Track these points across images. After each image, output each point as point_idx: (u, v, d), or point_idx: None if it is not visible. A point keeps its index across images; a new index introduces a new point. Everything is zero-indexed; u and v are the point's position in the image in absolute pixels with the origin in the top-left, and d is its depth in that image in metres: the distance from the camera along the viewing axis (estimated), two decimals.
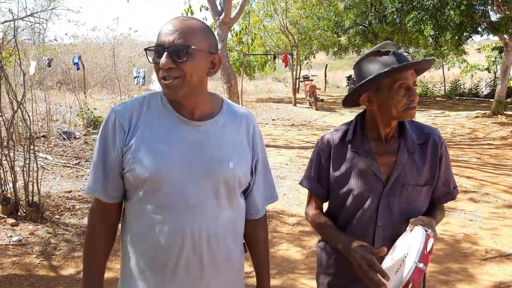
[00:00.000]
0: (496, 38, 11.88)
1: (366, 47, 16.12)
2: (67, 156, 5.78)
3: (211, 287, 1.10)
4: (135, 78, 12.40)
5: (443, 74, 17.80)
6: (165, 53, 0.97)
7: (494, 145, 7.42)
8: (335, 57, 19.14)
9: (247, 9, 11.83)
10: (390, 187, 1.20)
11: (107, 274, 2.68)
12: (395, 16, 12.94)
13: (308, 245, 3.27)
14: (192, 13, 8.34)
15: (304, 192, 1.47)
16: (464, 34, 11.06)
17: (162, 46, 0.98)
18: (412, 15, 10.88)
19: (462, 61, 15.23)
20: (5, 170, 3.56)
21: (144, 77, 12.20)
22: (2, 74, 3.51)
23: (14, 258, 2.92)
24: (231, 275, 1.14)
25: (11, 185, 3.53)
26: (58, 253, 3.05)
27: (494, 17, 10.79)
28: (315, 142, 1.37)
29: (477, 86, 16.29)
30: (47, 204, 3.74)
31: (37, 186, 3.49)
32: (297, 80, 15.55)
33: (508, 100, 11.29)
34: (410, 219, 1.17)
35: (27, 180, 3.46)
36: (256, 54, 16.23)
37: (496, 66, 14.55)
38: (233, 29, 10.81)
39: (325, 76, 21.05)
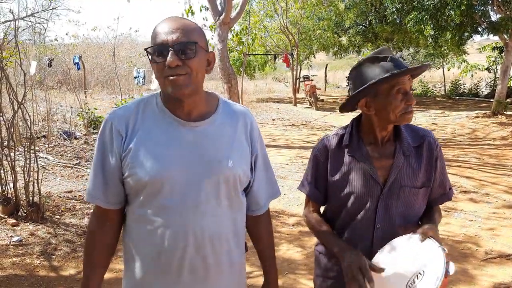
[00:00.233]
0: (496, 38, 11.88)
1: (366, 47, 16.13)
2: (67, 156, 5.79)
3: None
4: (135, 78, 12.41)
5: (443, 74, 17.80)
6: (171, 51, 0.97)
7: (494, 145, 7.42)
8: (335, 57, 19.13)
9: (247, 9, 11.83)
10: (388, 190, 1.21)
11: (108, 275, 2.69)
12: (395, 16, 12.93)
13: (308, 245, 3.27)
14: (192, 13, 8.35)
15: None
16: (465, 34, 11.05)
17: (165, 45, 0.98)
18: (412, 15, 10.88)
19: (462, 61, 15.22)
20: (5, 170, 3.57)
21: (144, 77, 12.21)
22: (3, 74, 3.51)
23: (14, 259, 2.92)
24: (234, 275, 1.15)
25: (11, 185, 3.53)
26: (59, 253, 3.05)
27: (494, 17, 10.80)
28: (315, 142, 1.38)
29: (477, 86, 16.29)
30: (48, 204, 3.74)
31: (38, 186, 3.49)
32: (297, 80, 15.56)
33: (508, 100, 11.28)
34: (408, 221, 1.18)
35: (27, 180, 3.46)
36: (256, 54, 16.23)
37: (496, 66, 14.55)
38: (234, 29, 10.81)
39: (325, 76, 21.06)
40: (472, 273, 2.84)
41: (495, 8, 9.84)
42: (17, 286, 2.61)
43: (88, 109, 7.53)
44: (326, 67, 21.30)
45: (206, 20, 11.02)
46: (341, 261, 1.16)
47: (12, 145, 3.71)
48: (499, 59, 13.94)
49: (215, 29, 7.15)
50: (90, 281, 1.11)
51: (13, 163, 3.49)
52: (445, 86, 17.22)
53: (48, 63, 11.11)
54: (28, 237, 3.23)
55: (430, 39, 11.06)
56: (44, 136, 6.45)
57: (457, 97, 15.65)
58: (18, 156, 4.23)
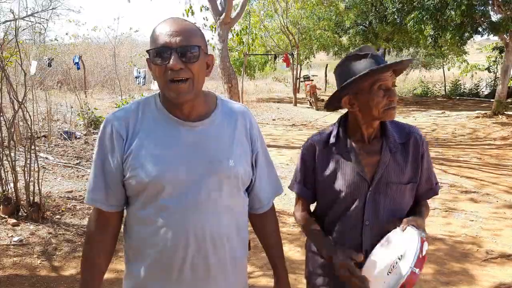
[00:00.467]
0: (496, 38, 11.87)
1: None
2: (67, 156, 5.79)
3: (219, 287, 1.10)
4: (136, 78, 12.41)
5: (444, 74, 17.78)
6: (174, 54, 0.97)
7: (494, 145, 7.41)
8: (335, 57, 19.10)
9: (247, 9, 11.82)
10: (375, 187, 1.23)
11: (108, 275, 2.69)
12: (395, 16, 12.92)
13: None
14: (192, 13, 8.34)
15: None
16: (465, 34, 11.05)
17: (168, 47, 0.97)
18: (412, 15, 10.87)
19: (463, 61, 15.21)
20: (6, 170, 3.56)
21: (144, 77, 12.21)
22: (3, 74, 3.51)
23: (15, 258, 2.92)
24: (236, 274, 1.14)
25: (12, 185, 3.53)
26: (59, 253, 3.05)
27: (494, 17, 10.79)
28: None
29: (478, 86, 16.27)
30: (48, 204, 3.74)
31: (38, 186, 3.49)
32: (298, 80, 15.55)
33: (509, 100, 11.28)
34: (396, 217, 1.20)
35: (28, 180, 3.46)
36: (256, 54, 16.23)
37: (497, 66, 14.53)
38: (234, 29, 10.80)
39: (326, 76, 21.03)
40: (473, 273, 2.84)
41: (495, 8, 9.84)
42: (17, 286, 2.61)
43: (88, 109, 7.53)
44: (326, 67, 21.26)
45: (207, 20, 11.02)
46: (332, 263, 1.19)
47: (13, 145, 3.71)
48: (499, 59, 13.93)
49: (215, 29, 7.15)
50: (89, 285, 1.10)
51: (13, 163, 3.49)
52: (445, 86, 17.20)
53: (48, 63, 11.11)
54: (29, 237, 3.22)
55: (430, 39, 11.04)
56: (44, 136, 6.45)
57: (458, 97, 15.64)
58: (19, 156, 4.23)
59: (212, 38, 8.20)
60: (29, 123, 3.72)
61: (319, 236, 1.28)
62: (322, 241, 1.26)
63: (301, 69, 17.63)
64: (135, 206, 1.08)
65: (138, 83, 12.46)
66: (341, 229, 1.26)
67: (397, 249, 1.10)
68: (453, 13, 9.88)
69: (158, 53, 0.98)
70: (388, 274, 1.06)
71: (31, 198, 3.49)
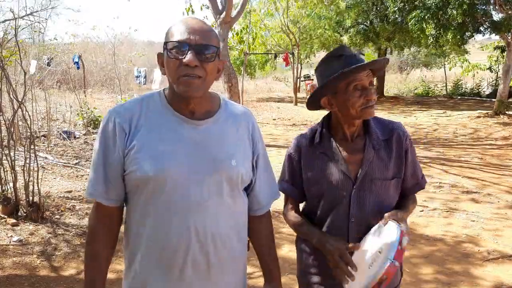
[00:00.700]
0: (497, 37, 11.83)
1: (368, 47, 16.09)
2: (67, 155, 5.78)
3: (218, 287, 1.10)
4: (136, 77, 12.40)
5: (445, 74, 17.76)
6: (191, 51, 0.98)
7: (496, 145, 7.39)
8: None
9: (248, 8, 11.80)
10: (360, 184, 1.25)
11: (108, 275, 2.67)
12: (396, 15, 12.90)
13: None
14: (192, 12, 8.34)
15: None
16: (466, 33, 11.02)
17: (187, 43, 0.98)
18: (414, 14, 10.85)
19: (464, 60, 15.18)
20: (5, 170, 3.56)
21: (145, 77, 12.20)
22: (3, 73, 3.50)
23: (14, 258, 2.91)
24: (236, 274, 1.15)
25: (11, 185, 3.52)
26: (59, 253, 3.04)
27: (496, 16, 10.76)
28: None
29: (479, 86, 16.25)
30: (47, 204, 3.73)
31: (38, 186, 3.48)
32: (298, 80, 15.53)
33: (510, 100, 11.24)
34: (382, 212, 1.22)
35: (27, 180, 3.45)
36: (257, 53, 16.21)
37: (498, 66, 14.50)
38: (234, 28, 10.79)
39: None
40: (474, 273, 2.83)
41: (497, 7, 9.81)
42: (17, 286, 2.60)
43: (88, 109, 7.52)
44: None
45: (207, 18, 11.00)
46: (323, 250, 1.22)
47: (12, 144, 3.70)
48: (500, 58, 13.90)
49: (215, 28, 7.14)
50: (94, 281, 1.08)
51: (13, 162, 3.48)
52: (446, 85, 17.18)
53: (48, 63, 11.11)
54: (28, 237, 3.22)
55: (432, 38, 11.02)
56: (43, 135, 6.44)
57: (459, 97, 15.62)
58: (18, 155, 4.22)
59: None
60: (28, 122, 3.71)
61: (310, 227, 1.30)
62: (312, 231, 1.29)
63: (301, 68, 17.61)
64: (136, 203, 1.07)
65: (139, 83, 12.45)
66: (329, 227, 1.29)
67: (377, 243, 1.13)
68: (454, 12, 9.86)
69: (176, 47, 0.99)
70: (369, 268, 1.09)
71: (31, 198, 3.49)
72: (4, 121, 3.68)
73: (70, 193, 4.22)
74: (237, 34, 11.17)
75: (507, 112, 10.22)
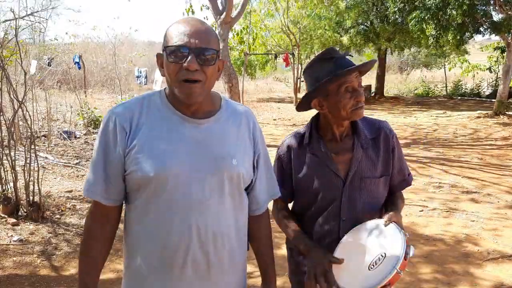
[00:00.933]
0: (497, 38, 11.83)
1: (368, 47, 16.08)
2: (67, 155, 5.78)
3: (218, 287, 1.10)
4: (137, 77, 12.42)
5: (445, 74, 17.76)
6: (191, 55, 0.98)
7: (496, 145, 7.40)
8: None
9: (248, 9, 11.81)
10: (350, 183, 1.27)
11: (108, 275, 2.68)
12: (397, 16, 12.89)
13: None
14: (193, 12, 8.34)
15: None
16: (466, 34, 11.02)
17: (187, 47, 0.98)
18: (414, 15, 10.86)
19: (464, 61, 15.18)
20: (5, 170, 3.56)
21: (146, 77, 12.21)
22: (4, 73, 3.51)
23: (15, 258, 2.92)
24: (236, 274, 1.15)
25: (11, 184, 3.53)
26: (59, 253, 3.05)
27: (496, 17, 10.76)
28: None
29: (479, 86, 16.24)
30: (48, 203, 3.74)
31: (38, 186, 3.49)
32: (299, 80, 15.53)
33: (510, 100, 11.24)
34: (373, 210, 1.26)
35: (27, 179, 3.46)
36: (257, 54, 16.21)
37: (498, 66, 14.50)
38: (234, 29, 10.80)
39: None
40: (473, 273, 2.83)
41: (497, 8, 9.81)
42: (17, 285, 2.60)
43: (88, 109, 7.53)
44: None
45: (207, 19, 11.00)
46: (307, 259, 1.23)
47: (13, 144, 3.70)
48: (500, 59, 13.90)
49: (215, 28, 7.14)
50: (86, 281, 1.09)
51: (13, 162, 3.49)
52: (446, 86, 17.18)
53: (48, 63, 11.11)
54: (29, 237, 3.22)
55: (432, 39, 11.02)
56: (44, 135, 6.45)
57: (459, 97, 15.62)
58: (18, 155, 4.23)
59: None
60: (29, 122, 3.71)
61: (297, 233, 1.31)
62: (300, 237, 1.30)
63: (301, 68, 17.60)
64: (137, 202, 1.07)
65: (140, 83, 12.46)
66: (320, 226, 1.31)
67: (379, 244, 1.13)
68: (454, 12, 9.86)
69: (176, 51, 0.99)
70: (370, 270, 1.09)
71: (31, 197, 3.49)
72: (5, 121, 3.69)
73: (71, 192, 4.23)
74: (237, 34, 11.17)
75: (507, 112, 10.22)
